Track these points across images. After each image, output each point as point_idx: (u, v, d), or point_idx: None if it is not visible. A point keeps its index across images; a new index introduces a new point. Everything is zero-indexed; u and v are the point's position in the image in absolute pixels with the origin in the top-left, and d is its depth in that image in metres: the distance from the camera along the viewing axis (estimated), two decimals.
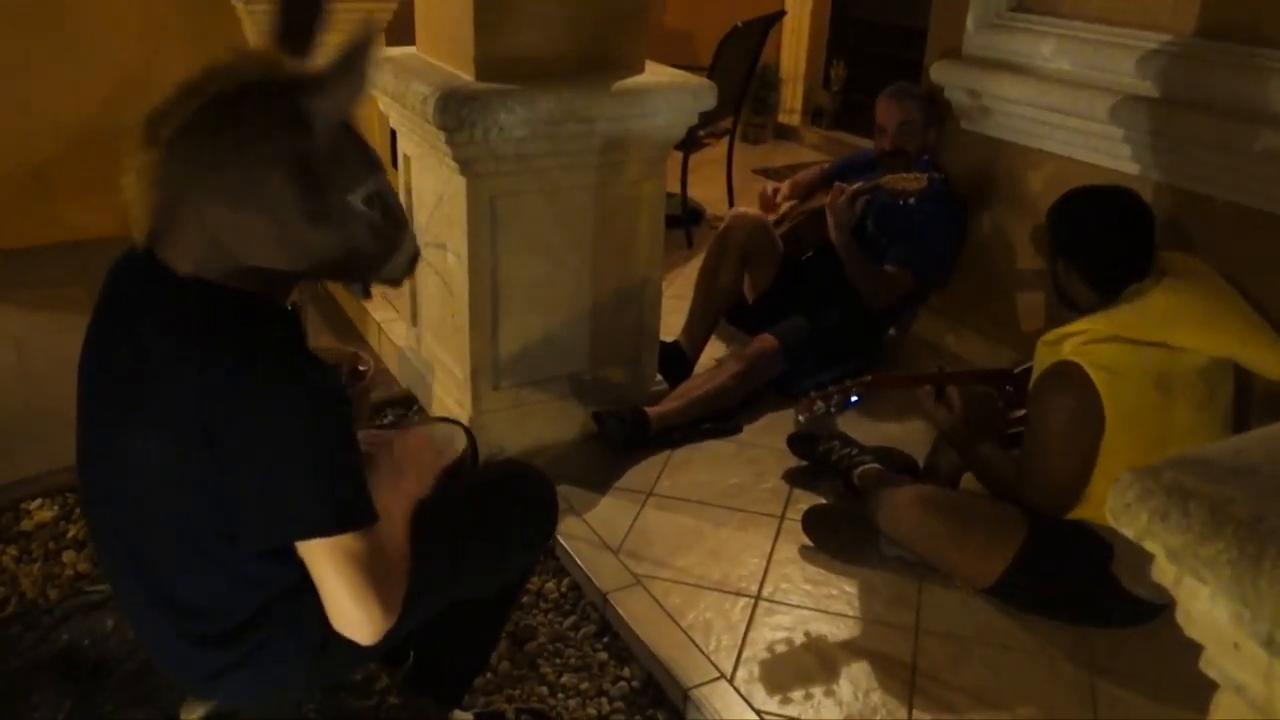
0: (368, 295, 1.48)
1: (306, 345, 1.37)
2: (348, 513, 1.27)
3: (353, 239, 1.30)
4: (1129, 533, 0.82)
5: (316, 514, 1.26)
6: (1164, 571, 0.83)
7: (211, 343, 1.25)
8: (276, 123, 1.21)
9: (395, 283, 1.45)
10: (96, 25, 4.05)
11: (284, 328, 1.34)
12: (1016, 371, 2.51)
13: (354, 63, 1.19)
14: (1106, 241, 2.19)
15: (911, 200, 2.96)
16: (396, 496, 1.46)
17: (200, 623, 1.39)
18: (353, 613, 1.28)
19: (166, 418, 1.26)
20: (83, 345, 1.40)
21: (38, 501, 2.60)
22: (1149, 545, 0.81)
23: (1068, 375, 2.10)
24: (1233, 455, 0.84)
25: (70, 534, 2.48)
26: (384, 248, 1.36)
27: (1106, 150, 2.81)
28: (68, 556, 2.40)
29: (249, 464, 1.25)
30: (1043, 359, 2.21)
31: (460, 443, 1.72)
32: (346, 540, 1.26)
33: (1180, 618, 0.85)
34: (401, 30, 3.72)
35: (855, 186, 3.04)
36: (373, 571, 1.28)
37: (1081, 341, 2.12)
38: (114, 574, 1.50)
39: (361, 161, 1.30)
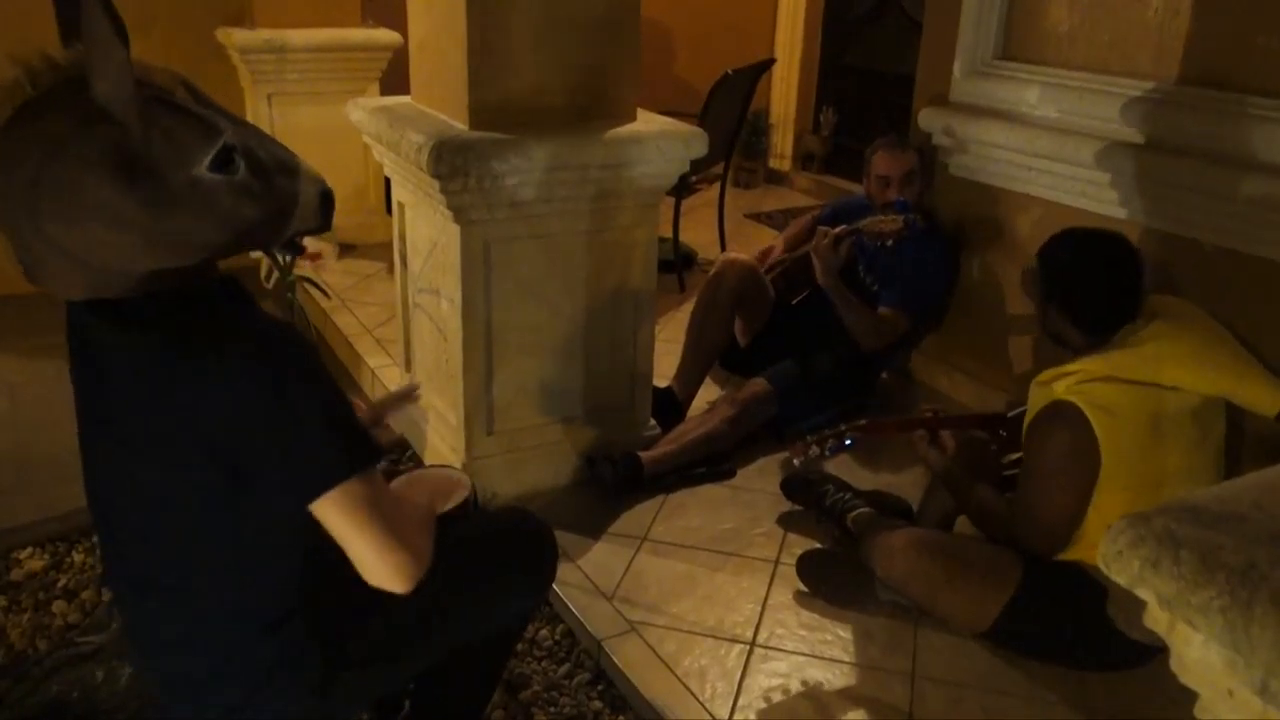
0: (298, 251, 1.39)
1: (255, 308, 1.31)
2: (356, 454, 1.27)
3: (225, 211, 1.21)
4: (1121, 580, 0.82)
5: (329, 463, 1.25)
6: (1156, 619, 0.83)
7: (176, 362, 1.22)
8: (72, 124, 1.14)
9: (318, 230, 1.37)
10: None
11: (230, 305, 1.29)
12: (1010, 415, 2.52)
13: (91, 31, 1.11)
14: (1094, 286, 2.20)
15: (890, 242, 2.98)
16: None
17: (205, 655, 1.38)
18: (380, 562, 1.27)
19: (160, 440, 1.26)
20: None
21: (28, 550, 2.58)
22: (1141, 592, 0.82)
23: (1063, 414, 2.11)
24: (1222, 502, 0.84)
25: (60, 584, 2.46)
26: (272, 204, 1.27)
27: (1093, 195, 2.84)
28: (58, 607, 2.38)
29: (252, 448, 1.24)
30: (1036, 399, 2.22)
31: (463, 490, 1.73)
32: (356, 489, 1.25)
33: (1174, 665, 0.85)
34: (396, 79, 3.77)
35: (837, 230, 3.07)
36: (389, 515, 1.28)
37: (1076, 381, 2.12)
38: (130, 608, 1.47)
39: (195, 131, 1.20)
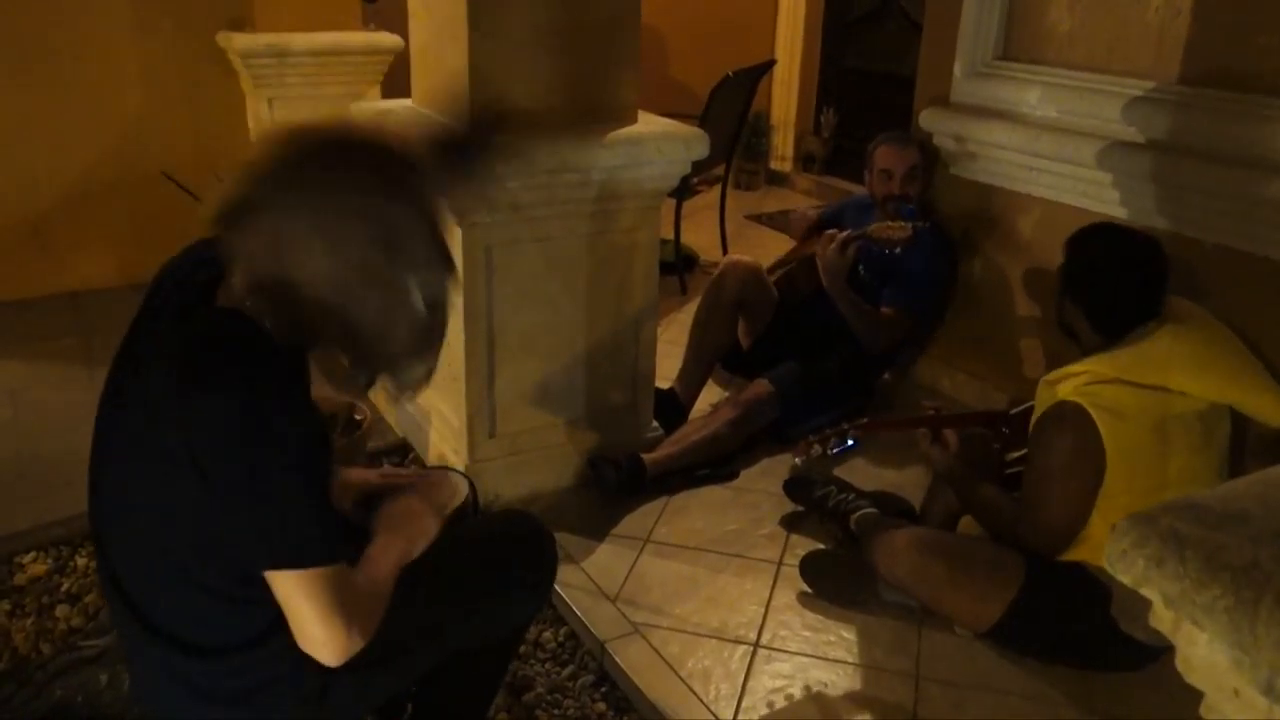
0: (368, 387, 1.46)
1: (304, 386, 1.37)
2: (328, 548, 1.31)
3: (392, 317, 1.32)
4: (1126, 580, 0.82)
5: (305, 545, 1.29)
6: (1162, 618, 0.83)
7: (206, 378, 1.26)
8: (385, 183, 1.28)
9: (405, 389, 1.44)
10: (95, 80, 4.10)
11: (285, 366, 1.33)
12: (1012, 413, 2.52)
13: (471, 162, 1.35)
14: (1114, 285, 2.18)
15: (898, 250, 2.98)
16: (385, 549, 1.46)
17: (197, 664, 1.39)
18: (321, 637, 1.31)
19: (160, 448, 1.29)
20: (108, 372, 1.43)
21: (31, 555, 2.58)
22: (1146, 591, 0.82)
23: (1070, 416, 2.10)
24: (1226, 501, 0.84)
25: (64, 588, 2.46)
26: (414, 346, 1.37)
27: (1094, 195, 2.84)
28: (61, 611, 2.38)
29: (240, 496, 1.27)
30: (1043, 399, 2.21)
31: (462, 492, 1.73)
32: (321, 573, 1.29)
33: (1180, 664, 0.85)
34: (397, 82, 3.77)
35: (844, 234, 3.07)
36: (340, 596, 1.31)
37: (1084, 383, 2.11)
38: (117, 613, 1.48)
39: (438, 256, 1.34)
